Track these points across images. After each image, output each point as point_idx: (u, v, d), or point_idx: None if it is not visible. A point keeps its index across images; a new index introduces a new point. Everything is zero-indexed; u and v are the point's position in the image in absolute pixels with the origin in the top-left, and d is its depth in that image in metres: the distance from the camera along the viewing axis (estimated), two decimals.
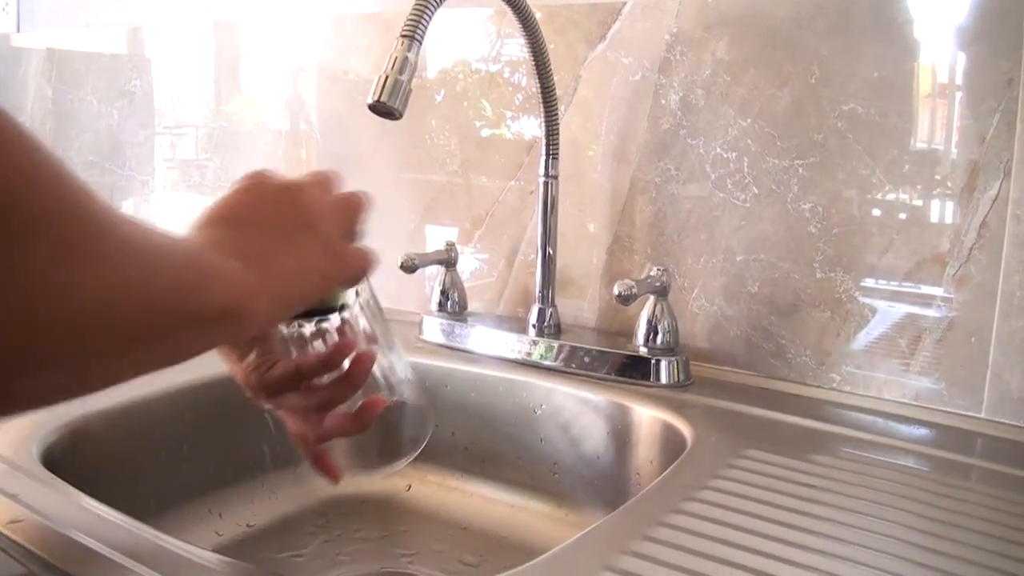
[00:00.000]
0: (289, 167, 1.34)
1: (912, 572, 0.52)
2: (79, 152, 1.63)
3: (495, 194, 1.12)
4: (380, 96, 0.73)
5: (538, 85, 0.92)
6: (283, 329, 0.57)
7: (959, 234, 0.81)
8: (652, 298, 0.91)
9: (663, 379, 0.89)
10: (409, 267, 1.01)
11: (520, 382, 0.93)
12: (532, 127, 1.08)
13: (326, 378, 0.56)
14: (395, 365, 0.61)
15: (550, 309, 0.99)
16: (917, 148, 0.83)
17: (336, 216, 0.52)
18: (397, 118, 0.75)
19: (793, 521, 0.58)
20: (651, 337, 0.91)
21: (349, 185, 0.55)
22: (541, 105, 0.93)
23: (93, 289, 0.32)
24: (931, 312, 0.83)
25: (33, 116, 1.72)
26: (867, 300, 0.86)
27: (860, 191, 0.86)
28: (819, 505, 0.61)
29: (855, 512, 0.60)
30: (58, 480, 0.62)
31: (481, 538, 0.88)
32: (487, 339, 1.00)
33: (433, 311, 1.08)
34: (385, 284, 0.60)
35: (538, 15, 0.89)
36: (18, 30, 1.76)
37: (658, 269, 0.91)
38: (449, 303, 1.08)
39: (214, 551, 0.80)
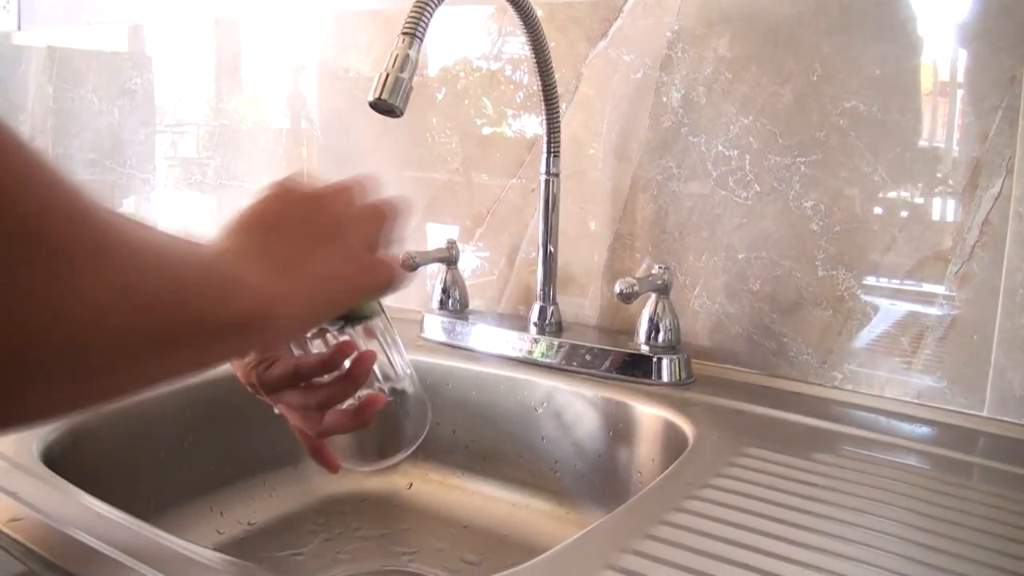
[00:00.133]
0: (290, 165, 1.34)
1: (914, 570, 0.52)
2: (80, 150, 1.63)
3: (496, 192, 1.12)
4: (381, 94, 0.72)
5: (539, 83, 0.92)
6: None
7: (961, 232, 0.81)
8: (654, 296, 0.91)
9: (664, 377, 0.89)
10: (410, 265, 1.01)
11: (521, 380, 0.93)
12: (533, 125, 1.08)
13: (326, 377, 0.57)
14: (395, 362, 0.61)
15: (551, 307, 0.99)
16: (919, 145, 0.83)
17: (366, 224, 0.51)
18: (398, 116, 0.74)
19: (795, 519, 0.58)
20: (653, 335, 0.91)
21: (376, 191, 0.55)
22: (542, 103, 0.93)
23: (91, 294, 0.31)
24: (933, 310, 0.83)
25: (34, 114, 1.72)
26: (869, 298, 0.86)
27: (862, 189, 0.85)
28: (821, 503, 0.60)
29: (857, 510, 0.59)
30: (58, 478, 0.62)
31: (482, 536, 0.88)
32: (488, 337, 1.00)
33: (434, 309, 1.08)
34: None
35: (539, 12, 0.89)
36: (19, 28, 1.76)
37: (660, 267, 0.91)
38: (450, 301, 1.08)
39: (215, 549, 0.80)
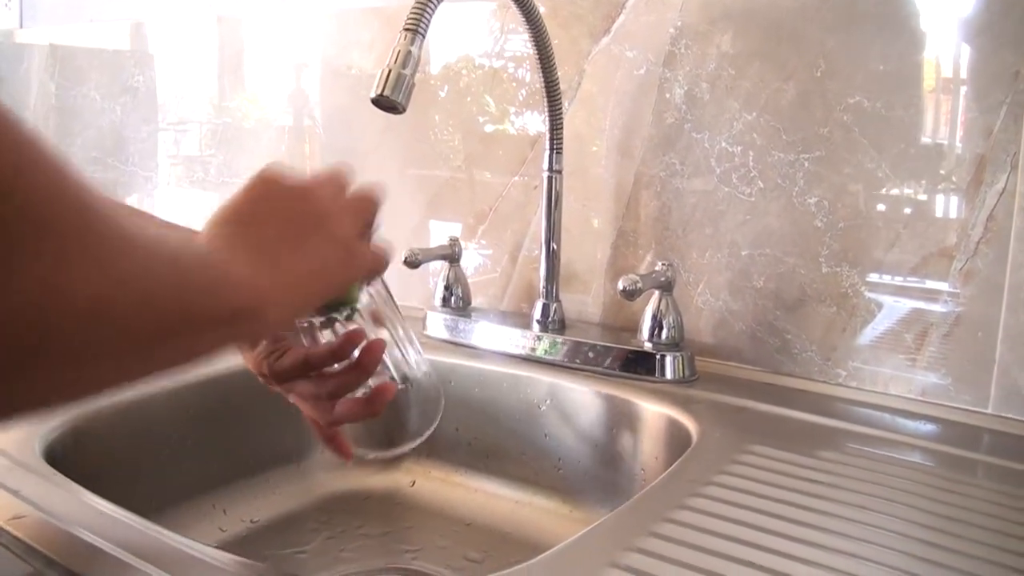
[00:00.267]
0: (292, 163, 1.34)
1: (919, 567, 0.51)
2: (82, 148, 1.63)
3: (499, 189, 1.11)
4: (383, 90, 0.72)
5: (542, 80, 0.92)
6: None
7: (966, 228, 0.81)
8: (657, 293, 0.91)
9: (668, 374, 0.89)
10: (412, 262, 1.01)
11: (524, 377, 0.93)
12: (536, 122, 1.08)
13: (337, 366, 0.57)
14: (406, 351, 0.62)
15: (554, 304, 0.99)
16: (923, 142, 0.83)
17: (349, 214, 0.52)
18: (400, 112, 0.74)
19: (799, 517, 0.58)
20: (656, 332, 0.91)
21: (352, 180, 0.55)
22: (545, 100, 0.93)
23: (94, 287, 0.31)
24: (937, 307, 0.83)
25: (36, 112, 1.72)
26: (873, 295, 0.86)
27: (866, 185, 0.85)
28: (825, 501, 0.60)
29: (861, 508, 0.59)
30: (60, 476, 0.62)
31: (485, 534, 0.88)
32: (491, 334, 1.00)
33: (437, 307, 1.08)
34: (388, 280, 0.60)
35: (542, 9, 0.89)
36: (21, 26, 1.76)
37: (663, 264, 0.90)
38: (453, 299, 1.08)
39: (217, 547, 0.80)
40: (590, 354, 0.92)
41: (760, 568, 0.51)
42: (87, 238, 0.32)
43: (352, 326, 0.57)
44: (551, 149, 0.95)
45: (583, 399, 0.88)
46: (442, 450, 0.97)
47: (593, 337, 0.95)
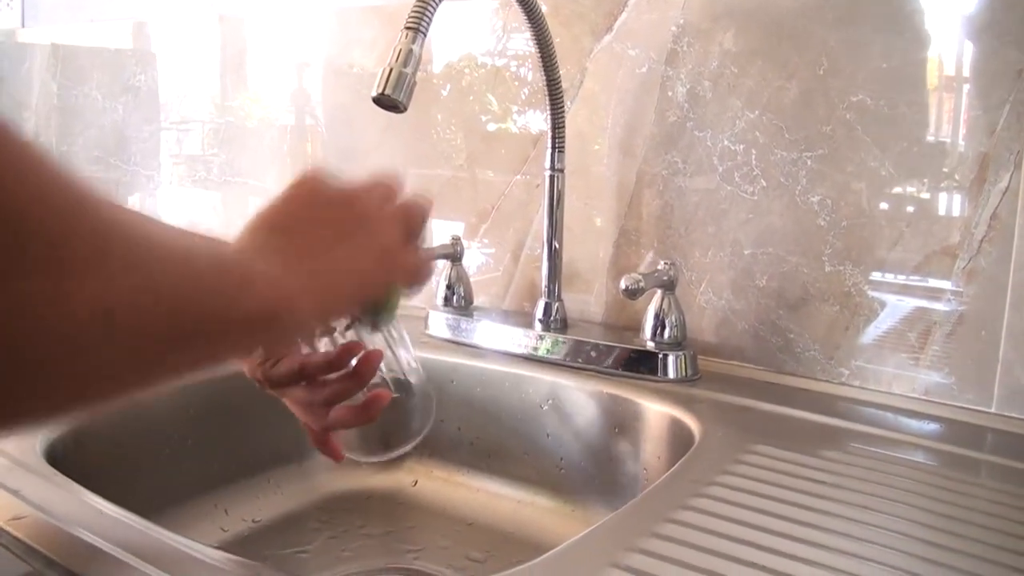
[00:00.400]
0: (294, 162, 1.34)
1: (922, 567, 0.51)
2: (84, 148, 1.63)
3: (501, 188, 1.11)
4: (384, 89, 0.72)
5: (544, 78, 0.92)
6: None
7: (969, 227, 0.80)
8: (659, 292, 0.91)
9: (670, 374, 0.89)
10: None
11: (526, 377, 0.92)
12: (538, 121, 1.08)
13: (332, 374, 0.57)
14: (401, 357, 0.61)
15: (556, 303, 0.99)
16: (927, 140, 0.82)
17: (393, 221, 0.51)
18: (402, 111, 0.74)
19: (802, 517, 0.57)
20: (658, 331, 0.90)
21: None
22: (547, 98, 0.93)
23: (109, 297, 0.31)
24: (941, 306, 0.83)
25: (38, 112, 1.72)
26: (876, 294, 0.86)
27: (869, 184, 0.85)
28: (828, 501, 0.60)
29: (864, 508, 0.59)
30: (61, 476, 0.62)
31: (487, 534, 0.88)
32: (493, 334, 1.00)
33: (439, 306, 1.07)
34: None
35: (544, 8, 0.89)
36: (23, 25, 1.76)
37: (665, 263, 0.90)
38: (455, 298, 1.07)
39: (219, 547, 0.80)
40: (592, 353, 0.92)
41: (763, 569, 0.50)
42: (85, 250, 0.31)
43: (349, 335, 0.57)
44: (553, 148, 0.95)
45: (585, 399, 0.88)
46: (444, 450, 0.97)
47: (595, 336, 0.95)
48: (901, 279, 0.84)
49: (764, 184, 0.91)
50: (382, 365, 0.59)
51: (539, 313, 0.99)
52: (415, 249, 0.53)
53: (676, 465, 0.67)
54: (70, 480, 0.62)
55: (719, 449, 0.70)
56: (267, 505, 0.89)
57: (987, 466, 0.70)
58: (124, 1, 1.56)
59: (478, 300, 1.10)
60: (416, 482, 0.96)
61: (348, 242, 0.48)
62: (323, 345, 0.58)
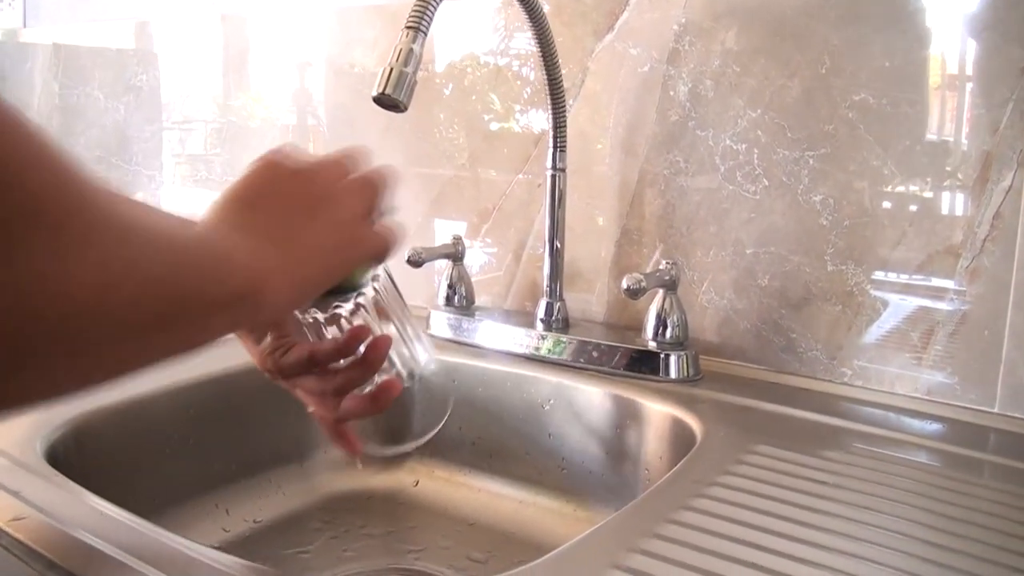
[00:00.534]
0: None
1: (924, 569, 0.51)
2: (86, 147, 1.63)
3: (502, 187, 1.11)
4: (385, 89, 0.72)
5: (545, 77, 0.91)
6: (298, 315, 0.57)
7: (972, 226, 0.80)
8: (661, 292, 0.91)
9: (672, 374, 0.89)
10: (416, 261, 1.01)
11: (528, 377, 0.92)
12: (540, 120, 1.08)
13: (342, 362, 0.57)
14: (413, 347, 0.61)
15: (558, 303, 0.99)
16: (929, 139, 0.82)
17: (355, 195, 0.52)
18: (402, 111, 0.74)
19: (804, 518, 0.57)
20: (660, 331, 0.90)
21: (362, 164, 0.55)
22: (548, 98, 0.92)
23: (92, 277, 0.31)
24: (943, 305, 0.82)
25: (40, 111, 1.72)
26: (879, 293, 0.85)
27: (871, 183, 0.85)
28: (830, 501, 0.60)
29: (866, 508, 0.59)
30: (62, 477, 0.62)
31: (488, 534, 0.88)
32: (495, 333, 1.00)
33: (440, 305, 1.07)
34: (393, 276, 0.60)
35: (546, 7, 0.88)
36: (24, 25, 1.76)
37: (667, 262, 0.90)
38: (456, 297, 1.07)
39: (220, 547, 0.80)
40: (594, 353, 0.92)
41: (765, 570, 0.50)
42: (84, 229, 0.31)
43: (358, 321, 0.57)
44: (555, 147, 0.95)
45: (587, 398, 0.88)
46: (446, 449, 0.97)
47: (597, 336, 0.94)
48: (904, 279, 0.84)
49: (766, 183, 0.90)
50: (395, 357, 0.59)
51: (541, 313, 0.99)
52: (375, 221, 0.53)
53: (678, 465, 0.67)
54: (70, 481, 0.61)
55: (721, 449, 0.70)
56: (268, 505, 0.89)
57: (990, 466, 0.69)
58: (125, 1, 1.56)
59: (480, 300, 1.10)
60: (417, 482, 0.96)
61: (311, 220, 0.48)
62: (331, 332, 0.58)
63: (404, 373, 0.61)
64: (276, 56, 1.35)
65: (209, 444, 0.87)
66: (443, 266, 1.09)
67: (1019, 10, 0.76)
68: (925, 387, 0.84)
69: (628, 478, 0.85)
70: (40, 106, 1.72)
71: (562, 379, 0.90)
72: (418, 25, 0.74)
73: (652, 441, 0.83)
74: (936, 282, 0.83)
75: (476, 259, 1.14)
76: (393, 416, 0.59)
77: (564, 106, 0.94)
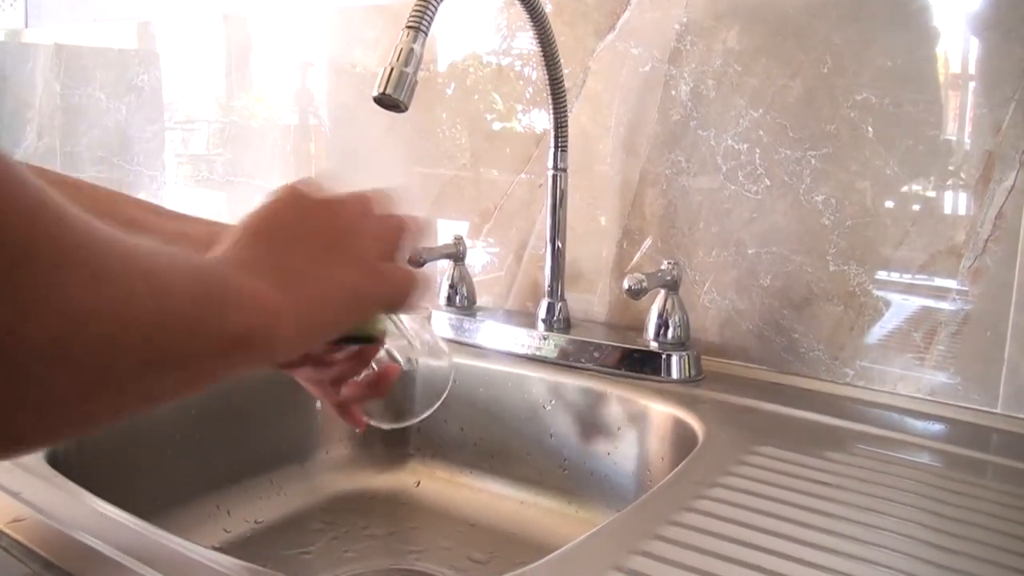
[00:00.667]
0: (298, 161, 1.34)
1: (926, 571, 0.51)
2: (88, 148, 1.63)
3: (503, 187, 1.11)
4: (385, 89, 0.72)
5: (546, 77, 0.91)
6: None
7: (974, 226, 0.80)
8: (663, 292, 0.90)
9: (674, 374, 0.88)
10: (417, 261, 1.01)
11: (529, 377, 0.92)
12: (542, 120, 1.07)
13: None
14: (407, 331, 0.61)
15: (559, 303, 0.98)
16: (931, 138, 0.82)
17: (380, 233, 0.50)
18: (403, 111, 0.74)
19: (806, 519, 0.57)
20: (662, 332, 0.90)
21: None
22: (549, 97, 0.92)
23: (67, 308, 0.29)
24: (946, 305, 0.82)
25: (42, 112, 1.72)
26: (881, 293, 0.85)
27: (874, 182, 0.84)
28: (832, 503, 0.60)
29: (869, 510, 0.59)
30: (62, 478, 0.62)
31: (490, 535, 0.88)
32: (496, 334, 1.00)
33: (442, 306, 1.07)
34: None
35: (548, 8, 0.88)
36: (26, 25, 1.76)
37: (669, 263, 0.90)
38: (458, 297, 1.07)
39: (221, 548, 0.80)
40: (595, 354, 0.92)
41: (767, 572, 0.50)
42: (55, 254, 0.29)
43: None
44: (556, 147, 0.94)
45: (588, 399, 0.88)
46: (447, 450, 0.97)
47: (598, 336, 0.94)
48: (906, 279, 0.84)
49: (768, 183, 0.90)
50: (392, 346, 0.60)
51: (542, 313, 0.98)
52: (397, 265, 0.51)
53: (679, 466, 0.67)
54: (71, 482, 0.61)
55: (723, 450, 0.70)
56: (269, 506, 0.89)
57: (992, 467, 0.69)
58: (127, 1, 1.56)
59: (481, 300, 1.10)
60: (419, 483, 0.96)
61: (333, 253, 0.46)
62: None
63: (402, 358, 0.61)
64: (278, 56, 1.35)
65: (210, 445, 0.87)
66: (444, 266, 1.09)
67: (1021, 9, 0.76)
68: (927, 387, 0.83)
69: (629, 479, 0.85)
70: (42, 106, 1.72)
71: (563, 380, 0.90)
72: (419, 25, 0.73)
73: (654, 442, 0.83)
74: (938, 282, 0.82)
75: (477, 259, 1.13)
76: (395, 393, 0.59)
77: (565, 106, 0.93)
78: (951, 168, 0.81)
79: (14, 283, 0.27)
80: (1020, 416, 0.79)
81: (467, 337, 1.02)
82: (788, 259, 0.90)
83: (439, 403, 0.64)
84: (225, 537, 0.84)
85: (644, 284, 0.85)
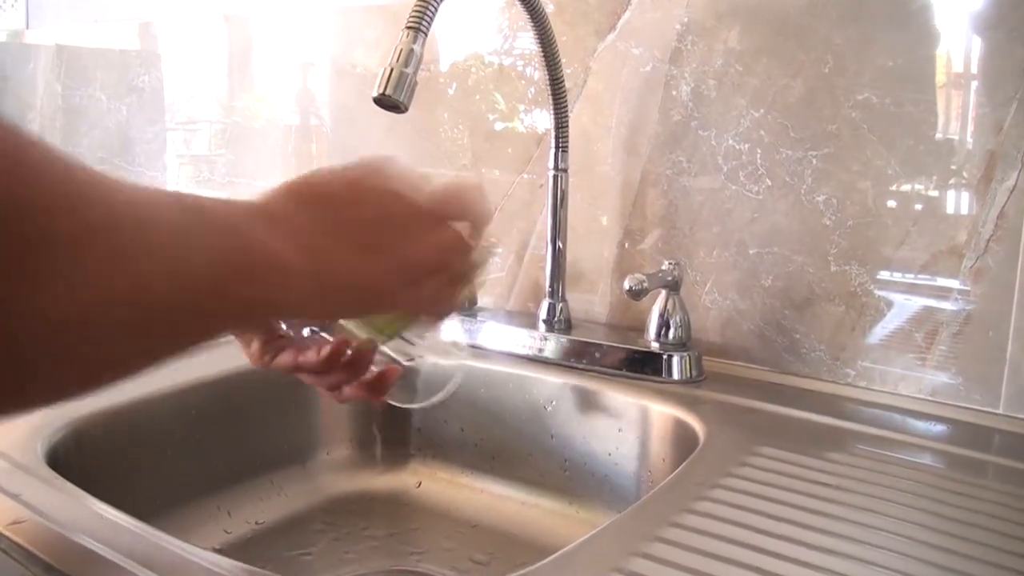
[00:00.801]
0: (299, 161, 1.34)
1: (928, 572, 0.51)
2: (89, 149, 1.63)
3: (504, 187, 1.11)
4: (385, 89, 0.72)
5: (547, 77, 0.91)
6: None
7: (976, 225, 0.80)
8: (664, 292, 0.90)
9: (675, 375, 0.88)
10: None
11: (530, 378, 0.92)
12: (544, 120, 1.07)
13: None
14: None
15: (560, 304, 0.98)
16: (933, 138, 0.81)
17: (438, 245, 0.49)
18: (403, 111, 0.74)
19: (807, 520, 0.57)
20: (663, 332, 0.90)
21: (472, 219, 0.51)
22: (550, 97, 0.92)
23: (68, 299, 0.30)
24: (948, 305, 0.82)
25: (43, 113, 1.72)
26: (882, 293, 0.85)
27: (875, 182, 0.84)
28: (833, 504, 0.59)
29: (870, 511, 0.58)
30: (62, 480, 0.62)
31: (491, 536, 0.88)
32: (497, 335, 0.99)
33: None
34: None
35: (550, 8, 0.88)
36: (27, 26, 1.76)
37: (670, 263, 0.90)
38: None
39: (222, 549, 0.80)
40: (596, 354, 0.92)
41: (768, 574, 0.50)
42: (82, 240, 0.30)
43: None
44: (556, 147, 0.94)
45: (589, 400, 0.88)
46: (448, 451, 0.97)
47: (599, 337, 0.94)
48: (908, 279, 0.84)
49: (769, 183, 0.90)
50: (388, 351, 0.59)
51: (543, 314, 0.98)
52: (438, 284, 0.50)
53: (680, 467, 0.67)
54: (70, 484, 0.61)
55: (724, 451, 0.70)
56: (270, 507, 0.89)
57: (994, 468, 0.69)
58: (128, 2, 1.56)
59: (482, 301, 1.10)
60: (420, 484, 0.96)
61: (377, 244, 0.45)
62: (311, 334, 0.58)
63: (402, 359, 0.61)
64: (279, 56, 1.35)
65: (210, 446, 0.86)
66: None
67: (1023, 9, 0.76)
68: (929, 388, 0.83)
69: (630, 480, 0.84)
70: (43, 107, 1.72)
71: (564, 380, 0.90)
72: (418, 25, 0.73)
73: (655, 443, 0.82)
74: (940, 282, 0.82)
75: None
76: (407, 378, 0.59)
77: (566, 106, 0.93)
78: (953, 168, 0.81)
79: (33, 261, 0.28)
80: (1022, 416, 0.78)
81: (468, 338, 1.02)
82: (789, 259, 0.89)
83: (452, 388, 0.63)
84: (225, 538, 0.84)
85: (645, 284, 0.85)
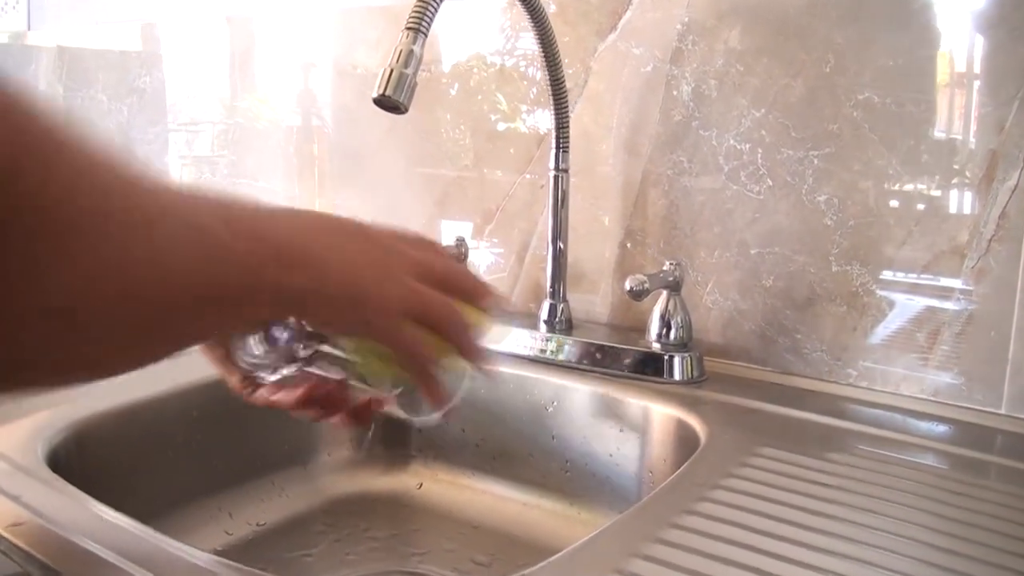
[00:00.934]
0: (301, 163, 1.34)
1: (930, 573, 0.50)
2: None
3: (506, 188, 1.11)
4: (384, 90, 0.72)
5: (547, 77, 0.91)
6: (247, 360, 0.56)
7: (978, 225, 0.79)
8: (665, 293, 0.90)
9: (676, 375, 0.88)
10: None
11: (531, 379, 0.92)
12: (546, 120, 1.07)
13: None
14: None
15: (562, 304, 0.98)
16: (934, 137, 0.81)
17: (416, 260, 0.49)
18: (403, 112, 0.74)
19: (808, 522, 0.57)
20: (664, 333, 0.90)
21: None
22: (551, 98, 0.92)
23: (57, 291, 0.31)
24: (950, 305, 0.82)
25: None
26: (884, 293, 0.85)
27: (876, 182, 0.84)
28: (835, 505, 0.59)
29: (872, 512, 0.58)
30: (62, 481, 0.62)
31: (492, 537, 0.88)
32: (498, 335, 0.99)
33: None
34: None
35: (551, 8, 0.88)
36: (29, 28, 1.76)
37: (671, 263, 0.89)
38: None
39: (223, 551, 0.80)
40: (597, 355, 0.92)
41: (769, 575, 0.50)
42: (76, 230, 0.31)
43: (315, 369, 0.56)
44: (557, 147, 0.94)
45: (590, 401, 0.88)
46: (449, 452, 0.97)
47: (600, 338, 0.94)
48: (909, 278, 0.84)
49: (770, 183, 0.90)
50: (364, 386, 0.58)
51: (544, 314, 0.98)
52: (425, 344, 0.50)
53: (681, 468, 0.67)
54: (71, 485, 0.61)
55: (725, 452, 0.70)
56: (271, 508, 0.89)
57: (996, 468, 0.69)
58: (129, 3, 1.56)
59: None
60: (421, 485, 0.96)
61: (368, 261, 0.46)
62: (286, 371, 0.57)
63: (384, 389, 0.60)
64: (281, 57, 1.35)
65: (211, 447, 0.86)
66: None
67: None
68: (931, 388, 0.83)
69: (632, 480, 0.84)
70: None
71: (566, 381, 0.90)
72: (418, 26, 0.73)
73: (656, 443, 0.82)
74: (942, 282, 0.82)
75: (480, 260, 1.13)
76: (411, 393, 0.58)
77: (567, 106, 0.93)
78: (954, 167, 0.81)
79: (28, 248, 0.29)
80: None
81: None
82: (791, 259, 0.89)
83: (455, 401, 0.63)
84: (227, 539, 0.84)
85: (645, 285, 0.84)
